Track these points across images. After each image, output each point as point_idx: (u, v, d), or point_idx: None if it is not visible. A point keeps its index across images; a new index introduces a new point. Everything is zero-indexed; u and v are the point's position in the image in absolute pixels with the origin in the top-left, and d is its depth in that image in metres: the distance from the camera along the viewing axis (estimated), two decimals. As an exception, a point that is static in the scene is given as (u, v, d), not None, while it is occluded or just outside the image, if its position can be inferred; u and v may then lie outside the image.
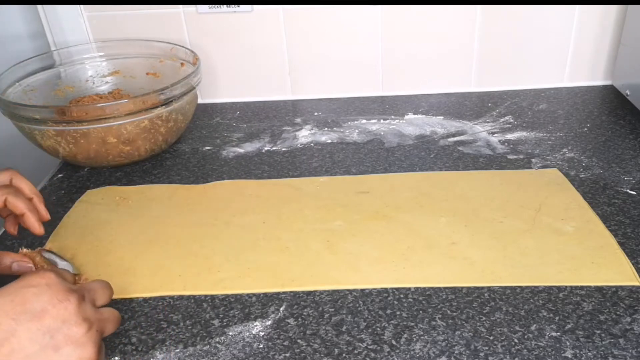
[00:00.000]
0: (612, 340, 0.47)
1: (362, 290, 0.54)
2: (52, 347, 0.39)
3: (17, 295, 0.40)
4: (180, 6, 0.90)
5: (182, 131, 0.82)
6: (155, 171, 0.77)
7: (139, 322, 0.52)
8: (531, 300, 0.52)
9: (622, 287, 0.53)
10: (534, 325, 0.49)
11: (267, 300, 0.54)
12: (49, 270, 0.43)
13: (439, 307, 0.52)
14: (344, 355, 0.47)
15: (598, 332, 0.48)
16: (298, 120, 0.89)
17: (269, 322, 0.51)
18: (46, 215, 0.58)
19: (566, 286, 0.53)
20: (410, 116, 0.88)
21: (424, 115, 0.88)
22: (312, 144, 0.82)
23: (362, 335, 0.49)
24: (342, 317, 0.51)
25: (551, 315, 0.50)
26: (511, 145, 0.78)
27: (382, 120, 0.87)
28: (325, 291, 0.54)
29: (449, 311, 0.51)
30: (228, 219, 0.65)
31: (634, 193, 0.66)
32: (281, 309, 0.53)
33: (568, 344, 0.47)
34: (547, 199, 0.65)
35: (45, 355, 0.39)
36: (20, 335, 0.39)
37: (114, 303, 0.54)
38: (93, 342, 0.41)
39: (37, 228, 0.56)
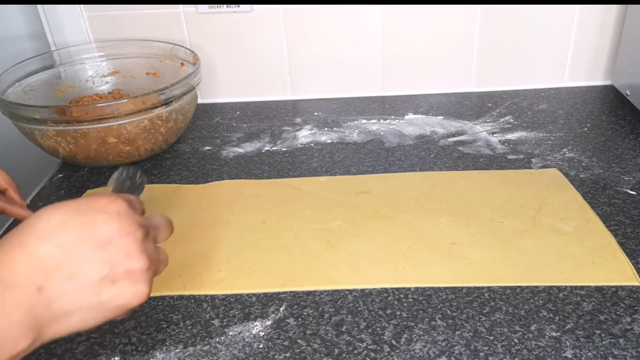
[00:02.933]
0: (612, 340, 0.47)
1: (362, 290, 0.54)
2: (110, 279, 0.37)
3: (87, 218, 0.37)
4: (180, 6, 0.90)
5: (182, 131, 0.82)
6: (155, 171, 0.77)
7: (139, 322, 0.52)
8: (531, 300, 0.52)
9: (622, 287, 0.53)
10: (534, 325, 0.49)
11: (267, 300, 0.54)
12: (122, 197, 0.39)
13: (439, 307, 0.52)
14: (344, 355, 0.47)
15: (598, 332, 0.48)
16: (298, 120, 0.89)
17: (269, 322, 0.51)
18: (23, 210, 0.57)
19: (566, 286, 0.53)
20: (410, 116, 0.88)
21: (424, 115, 0.88)
22: (312, 144, 0.82)
23: (362, 335, 0.49)
24: (342, 317, 0.51)
25: (551, 315, 0.50)
26: (511, 145, 0.78)
27: (382, 120, 0.87)
28: (325, 291, 0.54)
29: (449, 311, 0.51)
30: (228, 219, 0.65)
31: (634, 193, 0.66)
32: (281, 309, 0.53)
33: (568, 344, 0.47)
34: (547, 199, 0.65)
35: (101, 286, 0.36)
36: (82, 260, 0.36)
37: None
38: (147, 281, 0.38)
39: (23, 215, 0.55)
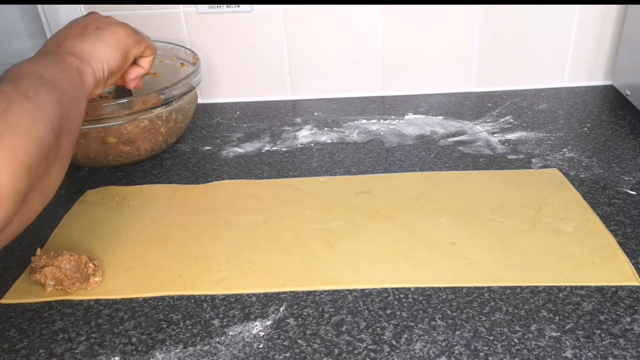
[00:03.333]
0: (612, 340, 0.47)
1: (362, 290, 0.54)
2: (95, 28, 0.59)
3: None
4: (180, 6, 0.90)
5: (182, 131, 0.82)
6: (155, 171, 0.77)
7: (139, 322, 0.52)
8: (531, 300, 0.52)
9: (622, 287, 0.53)
10: (534, 325, 0.49)
11: (267, 300, 0.54)
12: (124, 24, 0.63)
13: (439, 307, 0.52)
14: (344, 355, 0.47)
15: (598, 332, 0.48)
16: (298, 120, 0.89)
17: (269, 322, 0.51)
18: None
19: (566, 286, 0.53)
20: (410, 116, 0.88)
21: (424, 115, 0.88)
22: (312, 144, 0.82)
23: (362, 335, 0.49)
24: (342, 317, 0.51)
25: (551, 315, 0.50)
26: (511, 145, 0.78)
27: (382, 120, 0.87)
28: (325, 291, 0.54)
29: (449, 311, 0.51)
30: (228, 219, 0.65)
31: (634, 193, 0.66)
32: (281, 309, 0.53)
33: (568, 344, 0.47)
34: (547, 199, 0.65)
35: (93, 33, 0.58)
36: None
37: (113, 303, 0.54)
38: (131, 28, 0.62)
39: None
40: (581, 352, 0.46)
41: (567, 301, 0.51)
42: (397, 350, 0.47)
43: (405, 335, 0.49)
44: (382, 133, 0.84)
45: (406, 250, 0.59)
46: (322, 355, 0.47)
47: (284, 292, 0.54)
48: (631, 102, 0.85)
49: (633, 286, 0.53)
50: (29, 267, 0.57)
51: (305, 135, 0.84)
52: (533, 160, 0.74)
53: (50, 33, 0.92)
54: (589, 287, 0.53)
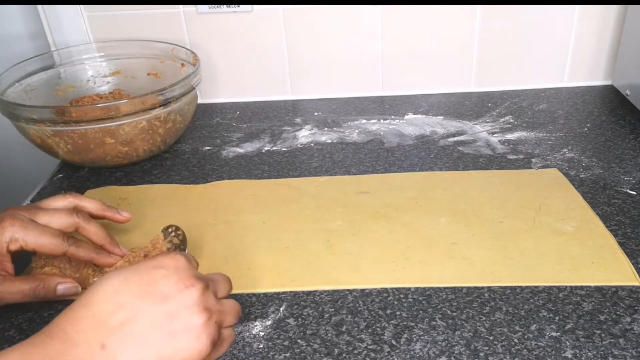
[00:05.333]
0: (612, 340, 0.47)
1: (362, 290, 0.54)
2: (169, 334, 0.38)
3: (146, 275, 0.39)
4: (180, 6, 0.90)
5: (181, 132, 0.82)
6: (155, 171, 0.77)
7: (139, 322, 0.52)
8: (531, 300, 0.52)
9: (622, 287, 0.53)
10: (534, 325, 0.49)
11: (267, 300, 0.54)
12: (180, 254, 0.41)
13: (439, 307, 0.52)
14: (344, 355, 0.47)
15: (598, 332, 0.48)
16: (298, 120, 0.89)
17: (269, 322, 0.51)
18: (125, 217, 0.61)
19: (566, 286, 0.53)
20: (410, 116, 0.88)
21: (424, 115, 0.88)
22: (312, 144, 0.82)
23: (362, 335, 0.49)
24: (342, 317, 0.51)
25: (551, 315, 0.50)
26: (511, 145, 0.78)
27: (382, 120, 0.87)
28: (325, 291, 0.54)
29: (449, 311, 0.51)
30: (228, 219, 0.65)
31: (634, 193, 0.66)
32: (281, 309, 0.53)
33: (568, 344, 0.47)
34: (547, 199, 0.65)
35: (161, 340, 0.37)
36: (142, 316, 0.37)
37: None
38: (208, 334, 0.39)
39: (123, 218, 0.60)
40: (581, 352, 0.46)
41: (567, 301, 0.51)
42: (397, 350, 0.47)
43: (405, 335, 0.49)
44: (382, 133, 0.84)
45: (406, 250, 0.59)
46: (322, 355, 0.47)
47: (284, 292, 0.54)
48: (631, 102, 0.85)
49: (633, 286, 0.53)
50: (28, 267, 0.57)
51: (305, 135, 0.84)
52: (533, 160, 0.74)
53: (51, 33, 0.92)
54: (589, 287, 0.53)
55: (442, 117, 0.87)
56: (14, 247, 0.52)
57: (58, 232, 0.53)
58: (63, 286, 0.53)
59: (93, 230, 0.56)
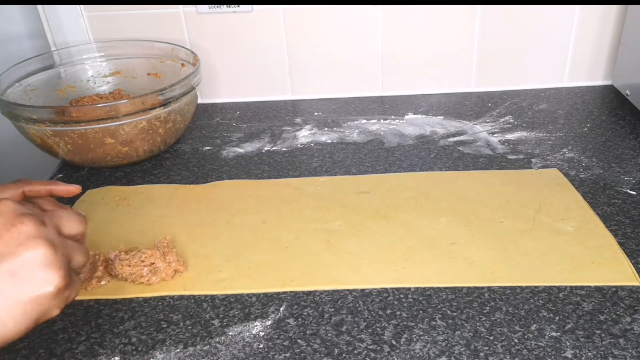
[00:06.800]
0: (612, 340, 0.47)
1: (362, 290, 0.54)
2: (8, 273, 0.36)
3: None
4: (180, 6, 0.90)
5: (181, 132, 0.82)
6: (155, 171, 0.77)
7: (139, 322, 0.52)
8: (531, 300, 0.52)
9: (622, 287, 0.53)
10: (534, 325, 0.49)
11: (267, 300, 0.54)
12: (7, 199, 0.39)
13: (439, 307, 0.52)
14: (344, 355, 0.47)
15: (598, 332, 0.48)
16: (298, 120, 0.89)
17: (269, 322, 0.51)
18: (73, 188, 0.52)
19: (566, 286, 0.53)
20: (410, 116, 0.88)
21: (424, 115, 0.88)
22: (312, 144, 0.82)
23: (362, 335, 0.49)
24: (342, 317, 0.51)
25: (551, 315, 0.50)
26: (511, 145, 0.78)
27: (382, 120, 0.87)
28: (325, 291, 0.54)
29: (449, 311, 0.51)
30: (228, 219, 0.65)
31: (634, 193, 0.66)
32: (281, 309, 0.53)
33: (568, 344, 0.47)
34: (547, 199, 0.65)
35: (8, 287, 0.36)
36: None
37: (113, 303, 0.54)
38: (58, 266, 0.37)
39: (72, 189, 0.51)
40: (581, 352, 0.46)
41: (567, 301, 0.51)
42: (397, 350, 0.47)
43: (405, 335, 0.49)
44: (382, 133, 0.84)
45: (406, 250, 0.59)
46: (322, 355, 0.47)
47: (284, 292, 0.54)
48: (631, 102, 0.85)
49: (633, 286, 0.53)
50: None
51: (305, 135, 0.84)
52: (533, 160, 0.74)
53: (51, 33, 0.92)
54: (589, 287, 0.53)
55: (442, 117, 0.87)
56: None
57: (8, 186, 0.49)
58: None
59: (35, 182, 0.51)
